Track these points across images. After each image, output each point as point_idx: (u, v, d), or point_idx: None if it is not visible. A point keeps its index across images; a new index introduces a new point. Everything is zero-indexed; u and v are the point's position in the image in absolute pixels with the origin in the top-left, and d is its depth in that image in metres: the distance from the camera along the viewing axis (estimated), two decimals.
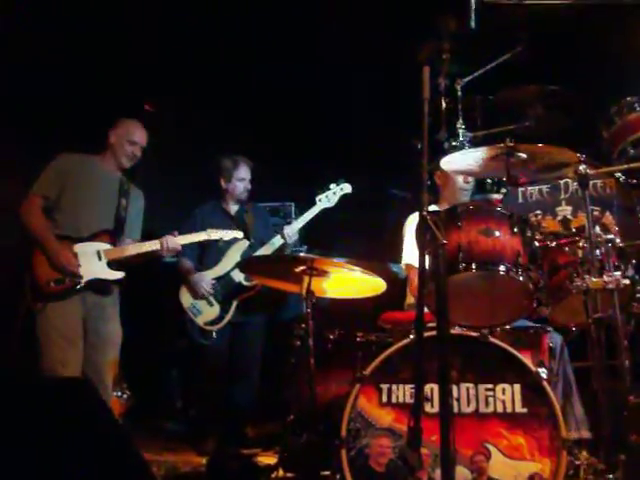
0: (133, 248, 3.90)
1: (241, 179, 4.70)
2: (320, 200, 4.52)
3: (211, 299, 4.45)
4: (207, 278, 4.48)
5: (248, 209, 4.73)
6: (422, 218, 2.24)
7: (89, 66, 5.11)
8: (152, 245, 3.91)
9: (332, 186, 4.55)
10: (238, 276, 4.48)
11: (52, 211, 3.87)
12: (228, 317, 4.44)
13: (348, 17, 5.08)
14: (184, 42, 5.36)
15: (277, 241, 4.49)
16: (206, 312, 4.44)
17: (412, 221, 4.00)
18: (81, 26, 5.02)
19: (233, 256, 4.49)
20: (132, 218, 4.06)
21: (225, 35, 5.35)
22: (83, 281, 3.75)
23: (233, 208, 4.75)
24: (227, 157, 4.74)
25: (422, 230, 2.24)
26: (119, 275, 3.86)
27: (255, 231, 4.62)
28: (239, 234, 4.20)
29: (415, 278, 3.60)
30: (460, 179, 3.97)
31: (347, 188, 4.57)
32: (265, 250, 4.48)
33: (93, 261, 3.80)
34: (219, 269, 4.51)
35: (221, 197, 4.76)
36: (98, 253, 3.82)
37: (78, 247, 3.80)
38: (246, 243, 4.44)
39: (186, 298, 4.49)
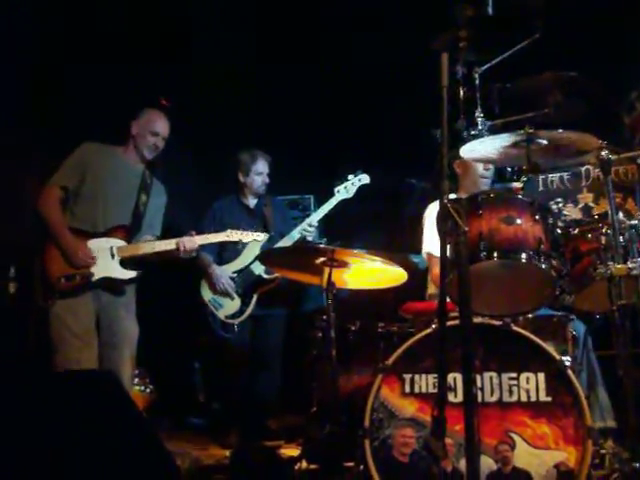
0: (148, 246, 3.83)
1: (259, 173, 4.70)
2: (339, 191, 4.51)
3: (232, 292, 4.46)
4: (227, 272, 4.49)
5: (267, 202, 4.73)
6: (443, 206, 2.22)
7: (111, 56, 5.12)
8: (167, 244, 3.83)
9: (350, 177, 4.54)
10: (258, 269, 4.49)
11: (70, 202, 3.83)
12: (249, 310, 4.46)
13: (365, 7, 5.06)
14: (201, 37, 5.38)
15: (296, 234, 4.49)
16: (227, 305, 4.46)
17: (432, 210, 3.97)
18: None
19: (253, 249, 4.49)
20: (152, 214, 4.00)
21: (242, 28, 5.35)
22: (94, 278, 3.70)
23: (252, 202, 4.76)
24: (245, 151, 4.74)
25: (443, 218, 2.22)
26: (132, 274, 3.78)
27: (274, 224, 4.63)
28: (259, 236, 4.10)
29: (436, 267, 3.58)
30: (480, 167, 3.94)
31: (365, 179, 4.56)
32: (284, 243, 4.48)
33: (106, 258, 3.73)
34: (239, 262, 4.53)
35: (239, 191, 4.77)
36: (111, 250, 3.75)
37: (92, 242, 3.74)
38: (266, 236, 4.44)
39: (207, 292, 4.51)
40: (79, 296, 3.70)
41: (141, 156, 4.00)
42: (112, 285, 3.78)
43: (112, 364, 3.73)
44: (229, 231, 4.05)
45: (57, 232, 3.73)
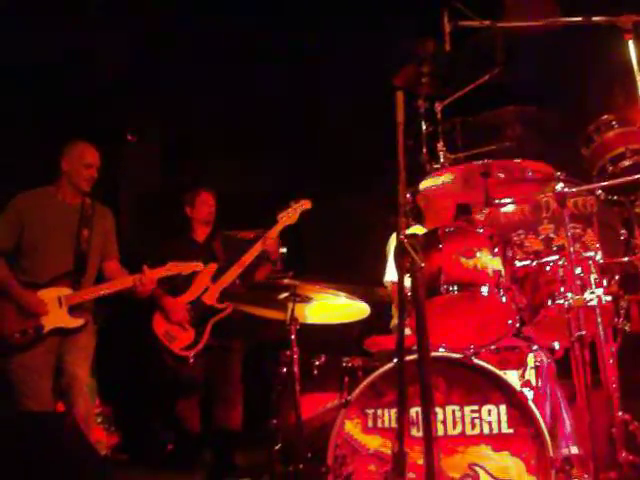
0: (104, 288, 3.86)
1: (204, 203, 4.75)
2: (281, 218, 4.56)
3: (185, 324, 4.44)
4: (181, 303, 4.48)
5: (216, 236, 4.78)
6: (400, 242, 2.24)
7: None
8: (124, 283, 3.87)
9: (292, 203, 4.60)
10: (209, 299, 4.48)
11: (16, 257, 3.84)
12: (204, 341, 4.43)
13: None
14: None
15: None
16: (181, 337, 4.42)
17: (394, 240, 4.00)
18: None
19: (203, 280, 4.49)
20: (101, 243, 3.99)
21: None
22: (46, 330, 3.72)
23: (202, 236, 4.79)
24: (191, 187, 4.82)
25: (400, 254, 2.24)
26: (80, 322, 3.80)
27: (224, 255, 4.65)
28: (197, 266, 4.19)
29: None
30: (442, 200, 3.98)
31: (307, 204, 4.62)
32: (235, 269, 4.49)
33: (54, 308, 3.76)
34: (191, 293, 4.51)
35: (189, 227, 4.81)
36: (59, 300, 3.77)
37: (40, 294, 3.76)
38: (214, 266, 4.47)
39: (159, 325, 4.45)
40: (35, 348, 3.70)
41: (78, 190, 3.97)
42: (64, 333, 3.79)
43: (69, 402, 3.71)
44: (170, 264, 4.07)
45: (5, 287, 3.75)
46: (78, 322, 3.80)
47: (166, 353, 4.42)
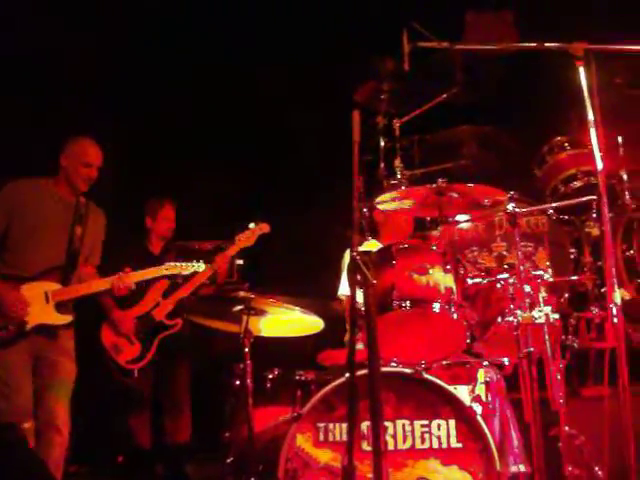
0: (83, 288, 3.70)
1: (166, 218, 4.73)
2: (240, 240, 4.58)
3: (132, 337, 4.41)
4: (130, 316, 4.44)
5: (171, 248, 4.75)
6: (352, 259, 2.28)
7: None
8: (103, 284, 3.75)
9: (251, 226, 4.62)
10: (159, 314, 4.46)
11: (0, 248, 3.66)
12: (150, 356, 4.41)
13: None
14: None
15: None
16: (127, 350, 4.39)
17: (349, 255, 4.05)
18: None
19: (154, 295, 4.47)
20: (91, 244, 3.85)
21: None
22: (28, 327, 3.54)
23: (157, 248, 4.77)
24: (154, 197, 4.78)
25: (353, 271, 2.28)
26: (68, 319, 3.66)
27: None
28: (200, 267, 4.14)
29: None
30: (398, 216, 4.04)
31: (265, 228, 4.64)
32: (187, 287, 4.48)
33: (40, 304, 3.58)
34: (141, 307, 4.48)
35: (146, 236, 4.78)
36: (46, 295, 3.60)
37: (25, 288, 3.57)
38: (167, 283, 4.44)
39: (107, 337, 4.42)
40: (13, 345, 3.53)
41: (74, 188, 3.82)
42: (48, 330, 3.62)
43: (48, 408, 3.55)
44: (167, 264, 4.01)
45: None
46: (65, 319, 3.64)
47: (112, 365, 4.39)
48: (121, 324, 4.39)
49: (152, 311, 4.46)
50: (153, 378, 4.46)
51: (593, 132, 2.77)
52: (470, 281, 3.14)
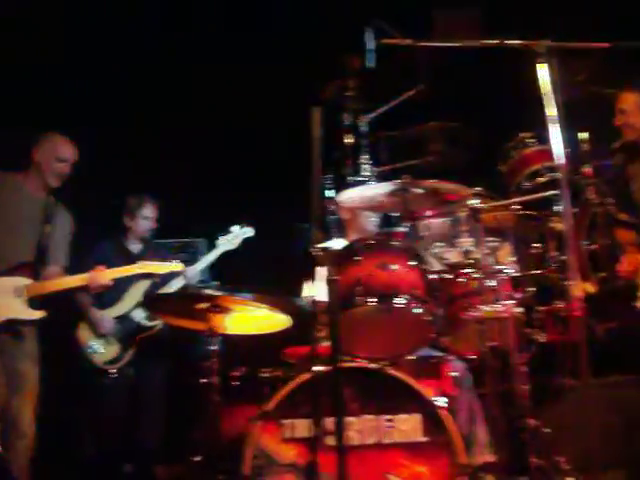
0: (57, 283, 3.68)
1: (145, 217, 4.66)
2: (222, 243, 4.55)
3: (110, 338, 4.37)
4: (109, 316, 4.39)
5: (150, 248, 4.69)
6: (313, 255, 2.29)
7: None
8: (78, 280, 3.72)
9: (234, 229, 4.60)
10: (138, 316, 4.42)
11: None
12: (128, 357, 4.37)
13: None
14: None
15: (177, 283, 4.45)
16: (105, 351, 4.35)
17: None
18: None
19: (134, 295, 4.43)
20: (57, 245, 3.81)
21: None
22: None
23: (135, 247, 4.70)
24: (133, 195, 4.70)
25: (313, 267, 2.29)
26: (39, 314, 3.61)
27: None
28: (177, 266, 4.12)
29: None
30: (366, 212, 4.05)
31: (249, 232, 4.63)
32: (166, 290, 4.44)
33: (10, 299, 3.54)
34: (119, 308, 4.43)
35: (123, 235, 4.71)
36: (17, 289, 3.57)
37: None
38: (147, 282, 4.40)
39: (85, 336, 4.36)
40: None
41: (45, 184, 3.78)
42: (14, 328, 3.58)
43: (11, 410, 3.54)
44: (141, 263, 3.97)
45: None
46: (35, 314, 3.60)
47: (88, 365, 4.35)
48: (98, 324, 4.34)
49: (132, 312, 4.42)
50: (131, 379, 4.42)
51: (555, 128, 2.80)
52: (435, 276, 3.16)
